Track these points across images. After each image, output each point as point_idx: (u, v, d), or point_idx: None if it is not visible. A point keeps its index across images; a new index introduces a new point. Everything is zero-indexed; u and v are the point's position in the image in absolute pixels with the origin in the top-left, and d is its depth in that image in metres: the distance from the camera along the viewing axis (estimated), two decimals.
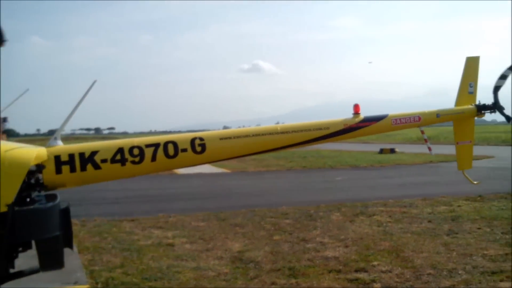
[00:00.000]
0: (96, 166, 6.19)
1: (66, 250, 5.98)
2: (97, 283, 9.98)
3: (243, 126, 7.40)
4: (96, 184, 9.22)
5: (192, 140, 6.65)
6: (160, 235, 14.58)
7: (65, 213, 5.95)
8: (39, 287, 9.49)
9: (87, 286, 9.84)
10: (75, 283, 10.05)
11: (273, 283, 9.91)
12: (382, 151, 52.37)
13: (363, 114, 7.81)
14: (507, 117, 8.76)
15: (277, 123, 7.71)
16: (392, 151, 52.10)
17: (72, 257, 11.28)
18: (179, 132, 7.70)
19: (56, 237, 5.75)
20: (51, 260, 5.88)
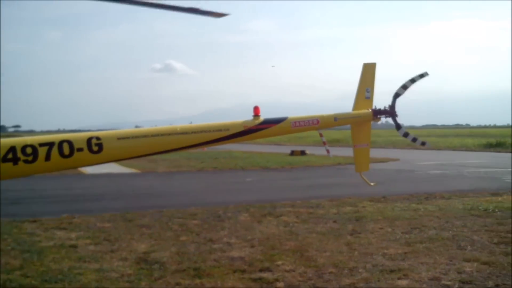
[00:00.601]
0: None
1: None
2: None
3: (155, 126, 7.36)
4: None
5: (89, 140, 6.54)
6: (63, 236, 14.19)
7: None
8: None
9: None
10: None
11: (177, 284, 9.85)
12: (293, 153, 53.10)
13: (280, 116, 7.94)
14: (397, 125, 9.15)
15: (190, 123, 7.71)
16: (302, 153, 52.93)
17: None
18: (89, 130, 7.54)
19: None
20: None
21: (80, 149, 6.47)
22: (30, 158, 6.19)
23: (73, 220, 16.49)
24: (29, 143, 6.26)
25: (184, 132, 7.24)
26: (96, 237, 14.04)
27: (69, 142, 6.44)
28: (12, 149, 6.14)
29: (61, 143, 6.40)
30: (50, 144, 6.35)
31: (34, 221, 16.23)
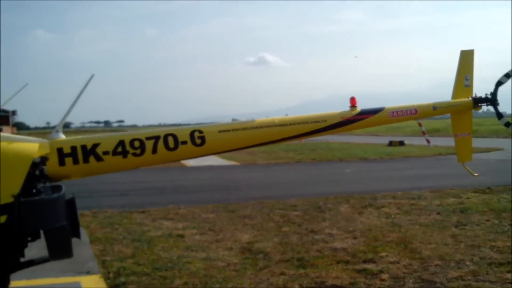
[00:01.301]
0: (99, 158, 6.33)
1: (76, 240, 6.15)
2: (108, 272, 10.15)
3: (252, 119, 7.52)
4: (106, 176, 9.40)
5: (192, 133, 6.78)
6: (170, 226, 14.74)
7: (71, 204, 6.12)
8: (53, 277, 9.72)
9: (99, 275, 10.01)
10: (88, 272, 10.24)
11: (282, 273, 10.03)
12: (391, 144, 52.29)
13: (375, 106, 7.93)
14: (498, 114, 8.85)
15: (286, 115, 7.81)
16: (401, 143, 52.03)
17: (84, 248, 11.48)
18: (188, 124, 7.83)
19: (63, 227, 5.91)
20: (59, 249, 6.05)
21: (184, 142, 6.72)
22: (138, 151, 6.50)
23: (179, 211, 17.07)
24: (136, 137, 6.58)
25: (282, 124, 7.36)
26: (201, 227, 14.49)
27: (174, 136, 6.71)
28: (121, 143, 6.48)
29: (166, 136, 6.67)
30: (156, 138, 6.63)
31: (143, 212, 16.95)
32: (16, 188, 5.58)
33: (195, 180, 27.70)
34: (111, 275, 10.01)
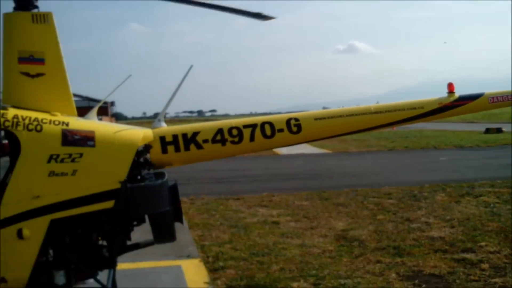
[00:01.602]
0: (199, 146, 6.56)
1: (176, 225, 6.43)
2: (208, 257, 10.48)
3: (342, 107, 7.50)
4: (202, 164, 9.68)
5: (288, 121, 6.86)
6: (265, 213, 15.00)
7: (174, 190, 6.40)
8: (155, 260, 10.15)
9: (199, 259, 10.36)
10: (188, 256, 10.62)
11: (378, 261, 10.00)
12: (488, 131, 50.39)
13: (470, 93, 7.75)
14: None
15: (377, 103, 7.74)
16: (498, 130, 50.06)
17: (183, 233, 11.86)
18: (279, 113, 7.92)
19: (166, 211, 6.20)
20: (163, 233, 6.37)
21: (280, 130, 6.81)
22: (236, 139, 6.67)
23: (273, 198, 17.31)
24: (234, 125, 6.75)
25: (378, 112, 7.29)
26: (296, 215, 14.65)
27: (271, 124, 6.82)
28: (220, 131, 6.67)
29: (263, 124, 6.79)
30: (253, 126, 6.77)
31: (238, 199, 17.32)
32: (122, 174, 5.90)
33: (288, 168, 27.89)
34: (210, 259, 10.34)
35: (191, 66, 6.87)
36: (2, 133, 6.92)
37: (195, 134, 6.52)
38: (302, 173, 25.27)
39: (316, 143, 34.22)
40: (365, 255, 10.43)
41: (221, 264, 9.96)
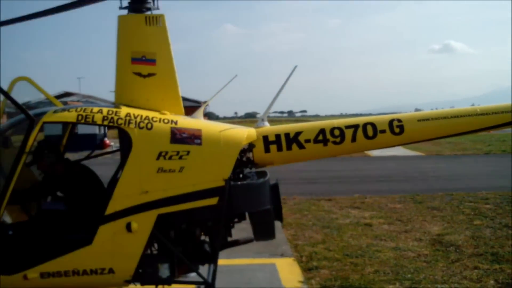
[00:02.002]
0: (301, 146, 6.66)
1: (276, 223, 6.57)
2: (301, 256, 10.59)
3: (436, 109, 7.36)
4: (292, 165, 9.77)
5: (391, 122, 6.83)
6: (357, 215, 14.94)
7: (275, 189, 6.54)
8: (249, 257, 10.35)
9: (293, 258, 10.48)
10: (282, 255, 10.77)
11: (475, 268, 9.78)
12: None
13: None
14: None
15: (472, 105, 7.53)
16: None
17: (277, 232, 11.98)
18: (369, 114, 7.87)
19: (267, 210, 6.35)
20: (263, 231, 6.52)
21: (382, 131, 6.79)
22: (338, 140, 6.72)
23: (365, 200, 17.21)
24: (336, 125, 6.80)
25: (484, 113, 7.11)
26: (389, 217, 14.50)
27: (373, 124, 6.81)
28: (322, 131, 6.74)
29: (365, 125, 6.80)
30: (355, 126, 6.79)
31: (329, 200, 17.33)
32: (227, 172, 6.10)
33: (379, 170, 27.53)
34: (303, 258, 10.44)
35: (295, 67, 7.01)
36: (101, 130, 7.29)
37: (298, 134, 6.64)
38: (394, 175, 24.89)
39: (408, 145, 33.62)
40: (462, 261, 10.22)
41: (315, 264, 10.03)
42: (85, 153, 8.02)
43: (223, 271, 8.74)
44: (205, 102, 8.18)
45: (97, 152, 8.87)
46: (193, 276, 6.71)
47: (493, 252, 10.67)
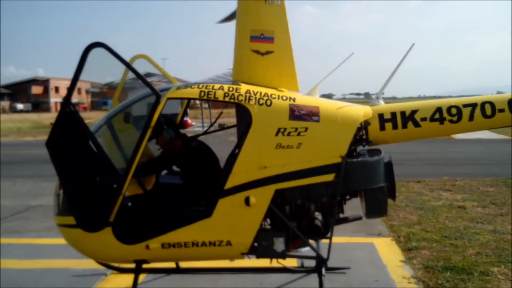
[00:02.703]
0: (416, 124, 6.62)
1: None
2: (399, 236, 10.54)
3: None
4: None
5: (510, 101, 6.69)
6: (449, 197, 14.70)
7: (389, 166, 6.54)
8: (347, 236, 10.40)
9: (390, 238, 10.46)
10: (379, 235, 10.76)
11: None
12: None
13: None
14: None
15: None
16: None
17: None
18: (449, 96, 7.69)
19: (381, 187, 6.37)
20: (376, 208, 6.53)
21: (501, 110, 6.67)
22: (455, 118, 6.64)
23: (455, 183, 16.89)
24: (453, 104, 6.72)
25: None
26: (482, 200, 14.20)
27: (491, 103, 6.70)
28: (439, 109, 6.68)
29: (483, 104, 6.69)
30: (473, 105, 6.69)
31: (419, 182, 17.12)
32: (343, 149, 6.17)
33: (466, 152, 26.90)
34: (401, 239, 10.38)
35: (413, 45, 6.96)
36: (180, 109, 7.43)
37: (414, 112, 6.61)
38: (482, 158, 24.30)
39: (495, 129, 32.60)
40: None
41: (414, 244, 9.95)
42: None
43: (322, 248, 8.86)
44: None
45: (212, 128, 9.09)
46: (304, 251, 6.83)
47: None
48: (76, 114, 5.94)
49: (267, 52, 6.52)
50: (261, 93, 6.18)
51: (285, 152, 6.04)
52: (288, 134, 6.04)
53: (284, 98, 6.22)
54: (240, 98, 6.12)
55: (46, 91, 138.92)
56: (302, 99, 6.34)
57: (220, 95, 6.13)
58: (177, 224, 6.17)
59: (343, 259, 9.01)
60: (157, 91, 5.99)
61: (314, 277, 7.96)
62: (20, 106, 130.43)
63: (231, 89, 6.18)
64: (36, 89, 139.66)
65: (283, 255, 6.42)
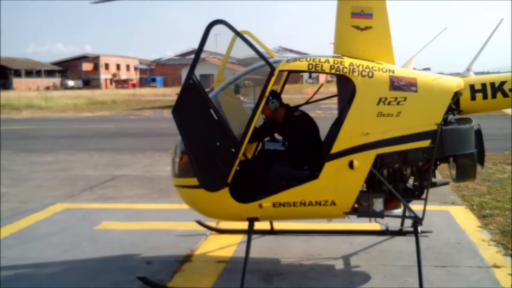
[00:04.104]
0: (505, 95, 7.10)
1: None
2: (472, 205, 11.04)
3: None
4: None
5: None
6: None
7: (479, 134, 7.05)
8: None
9: (464, 207, 10.96)
10: (453, 203, 11.27)
11: None
12: None
13: None
14: None
15: None
16: None
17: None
18: (498, 72, 8.06)
19: (472, 153, 6.90)
20: (466, 173, 7.07)
21: None
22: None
23: None
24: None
25: None
26: None
27: None
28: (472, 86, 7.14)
29: None
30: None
31: None
32: (439, 117, 6.73)
33: None
34: (474, 207, 10.89)
35: (502, 20, 7.42)
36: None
37: (502, 83, 7.09)
38: None
39: None
40: None
41: (488, 212, 10.47)
42: None
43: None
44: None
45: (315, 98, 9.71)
46: (396, 212, 7.40)
47: None
48: (199, 85, 6.58)
49: (366, 28, 7.09)
50: (363, 65, 6.76)
51: (386, 119, 6.62)
52: (389, 103, 6.61)
53: (384, 70, 6.79)
54: (345, 70, 6.70)
55: (96, 67, 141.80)
56: (400, 71, 6.90)
57: (326, 67, 6.72)
58: (288, 185, 6.82)
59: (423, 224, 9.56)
60: (272, 64, 6.58)
61: (398, 239, 8.64)
62: (71, 83, 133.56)
63: (336, 62, 6.77)
64: (86, 66, 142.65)
65: (381, 215, 7.04)
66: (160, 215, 10.65)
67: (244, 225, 7.27)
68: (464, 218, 10.19)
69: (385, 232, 8.95)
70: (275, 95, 7.43)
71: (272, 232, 9.05)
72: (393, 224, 8.73)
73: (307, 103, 8.87)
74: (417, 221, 7.00)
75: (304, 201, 6.82)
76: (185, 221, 9.91)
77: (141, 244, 8.98)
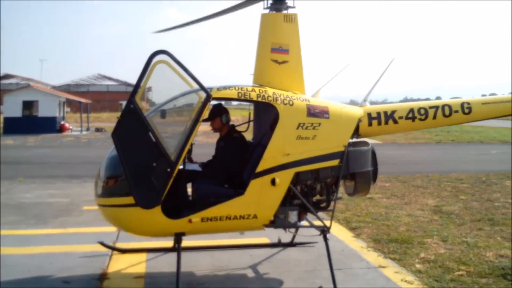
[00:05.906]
0: (395, 121, 8.56)
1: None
2: (339, 220, 12.47)
3: None
4: None
5: (462, 104, 8.81)
6: None
7: (374, 155, 8.39)
8: None
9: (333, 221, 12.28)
10: (322, 218, 12.55)
11: (480, 229, 11.83)
12: None
13: None
14: None
15: None
16: None
17: None
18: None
19: (369, 171, 8.21)
20: (363, 188, 8.40)
21: (456, 111, 8.75)
22: (423, 117, 8.62)
23: None
24: (422, 106, 8.71)
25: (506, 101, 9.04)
26: (384, 193, 16.52)
27: (449, 106, 8.75)
28: (411, 110, 8.60)
29: (443, 106, 8.72)
30: (436, 107, 8.68)
31: None
32: (346, 140, 7.96)
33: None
34: (341, 221, 12.40)
35: (393, 59, 8.86)
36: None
37: (393, 112, 8.54)
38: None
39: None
40: (467, 224, 12.31)
41: (355, 225, 11.99)
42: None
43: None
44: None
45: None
46: (301, 223, 8.42)
47: (489, 218, 12.87)
48: (139, 110, 7.09)
49: (284, 62, 8.14)
50: (283, 94, 7.77)
51: (303, 142, 7.67)
52: (306, 128, 7.67)
53: (302, 99, 7.86)
54: (270, 98, 7.66)
55: None
56: (314, 100, 8.03)
57: (254, 96, 7.64)
58: (216, 201, 7.55)
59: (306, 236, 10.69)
60: (208, 91, 7.28)
61: (290, 250, 9.75)
62: None
63: (261, 91, 7.72)
64: None
65: (295, 226, 8.05)
66: (49, 240, 10.65)
67: (145, 244, 8.29)
68: (337, 230, 11.53)
69: (279, 245, 9.95)
70: (227, 112, 8.23)
71: (174, 249, 9.62)
72: (278, 236, 9.80)
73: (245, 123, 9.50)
74: (325, 229, 8.09)
75: (230, 215, 7.58)
76: (80, 244, 10.21)
77: (48, 267, 8.97)
